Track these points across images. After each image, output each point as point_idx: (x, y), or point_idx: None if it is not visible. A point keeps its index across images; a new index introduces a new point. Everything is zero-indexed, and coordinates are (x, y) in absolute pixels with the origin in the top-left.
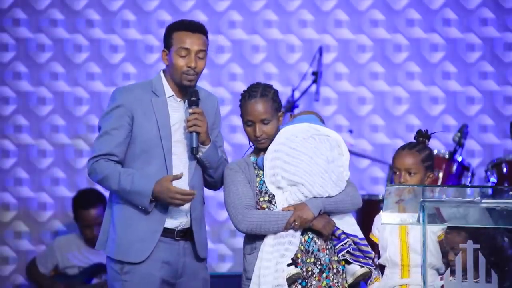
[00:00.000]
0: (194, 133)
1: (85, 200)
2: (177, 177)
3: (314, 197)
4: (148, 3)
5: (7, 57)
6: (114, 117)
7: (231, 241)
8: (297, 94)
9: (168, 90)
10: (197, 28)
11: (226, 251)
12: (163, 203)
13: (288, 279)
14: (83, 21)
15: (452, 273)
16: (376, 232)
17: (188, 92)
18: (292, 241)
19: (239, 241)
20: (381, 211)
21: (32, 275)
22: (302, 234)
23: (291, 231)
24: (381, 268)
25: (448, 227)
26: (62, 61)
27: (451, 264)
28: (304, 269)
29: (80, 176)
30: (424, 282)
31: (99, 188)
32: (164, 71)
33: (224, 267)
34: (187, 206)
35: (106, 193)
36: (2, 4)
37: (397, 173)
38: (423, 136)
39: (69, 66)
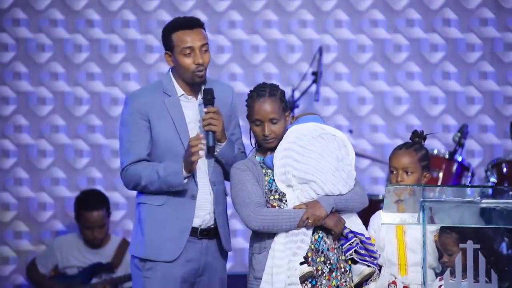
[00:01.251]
0: (210, 132)
1: (89, 202)
2: (199, 137)
3: (326, 195)
4: (148, 3)
5: (7, 57)
6: (131, 124)
7: (231, 241)
8: (297, 94)
9: (179, 89)
10: (194, 24)
11: None
12: (193, 167)
13: (300, 278)
14: (83, 21)
15: (450, 273)
16: (372, 232)
17: (203, 91)
18: (304, 239)
19: (239, 241)
20: (377, 211)
21: (32, 275)
22: (312, 233)
23: (303, 229)
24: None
25: (440, 230)
26: (62, 61)
27: (446, 265)
28: (314, 268)
29: (80, 176)
30: (424, 282)
31: (102, 189)
32: (172, 70)
33: None
34: (210, 202)
35: (110, 194)
36: (2, 4)
37: (394, 172)
38: (418, 137)
39: (69, 66)
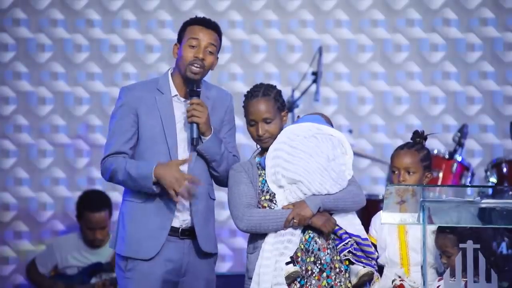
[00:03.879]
0: (194, 124)
1: (93, 203)
2: (185, 161)
3: (313, 195)
4: (148, 3)
5: (7, 57)
6: (120, 116)
7: (231, 241)
8: (297, 94)
9: (173, 89)
10: (211, 25)
11: (226, 251)
12: (163, 186)
13: (286, 278)
14: (83, 21)
15: (450, 273)
16: (374, 233)
17: (189, 83)
18: (291, 239)
19: (239, 241)
20: (379, 211)
21: (32, 275)
22: (303, 233)
23: (290, 229)
24: (380, 268)
25: (437, 232)
26: (62, 61)
27: (444, 266)
28: (304, 268)
29: (80, 176)
30: (424, 282)
31: (102, 189)
32: (172, 69)
33: (224, 267)
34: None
35: (110, 194)
36: (2, 4)
37: (396, 172)
38: (419, 137)
39: (69, 66)
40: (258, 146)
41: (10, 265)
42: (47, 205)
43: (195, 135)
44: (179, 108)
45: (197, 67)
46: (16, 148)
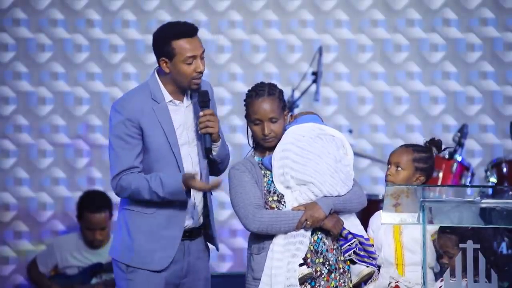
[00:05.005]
0: (206, 135)
1: (93, 203)
2: (194, 176)
3: (325, 196)
4: (148, 3)
5: (7, 57)
6: (123, 131)
7: (231, 241)
8: (297, 94)
9: (167, 95)
10: (194, 31)
11: (226, 251)
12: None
13: (299, 279)
14: (83, 21)
15: (450, 273)
16: (371, 233)
17: (199, 94)
18: (303, 241)
19: (239, 241)
20: (376, 212)
21: (32, 274)
22: (311, 234)
23: (301, 231)
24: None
25: (438, 233)
26: (62, 61)
27: (445, 267)
28: (313, 270)
29: (80, 176)
30: (424, 282)
31: (102, 189)
32: (158, 72)
33: (224, 267)
34: (201, 205)
35: (109, 194)
36: (2, 4)
37: (388, 166)
38: (434, 144)
39: (69, 66)
40: (252, 146)
41: (10, 265)
42: (47, 205)
43: (208, 145)
44: (175, 111)
45: (199, 78)
46: (16, 148)
